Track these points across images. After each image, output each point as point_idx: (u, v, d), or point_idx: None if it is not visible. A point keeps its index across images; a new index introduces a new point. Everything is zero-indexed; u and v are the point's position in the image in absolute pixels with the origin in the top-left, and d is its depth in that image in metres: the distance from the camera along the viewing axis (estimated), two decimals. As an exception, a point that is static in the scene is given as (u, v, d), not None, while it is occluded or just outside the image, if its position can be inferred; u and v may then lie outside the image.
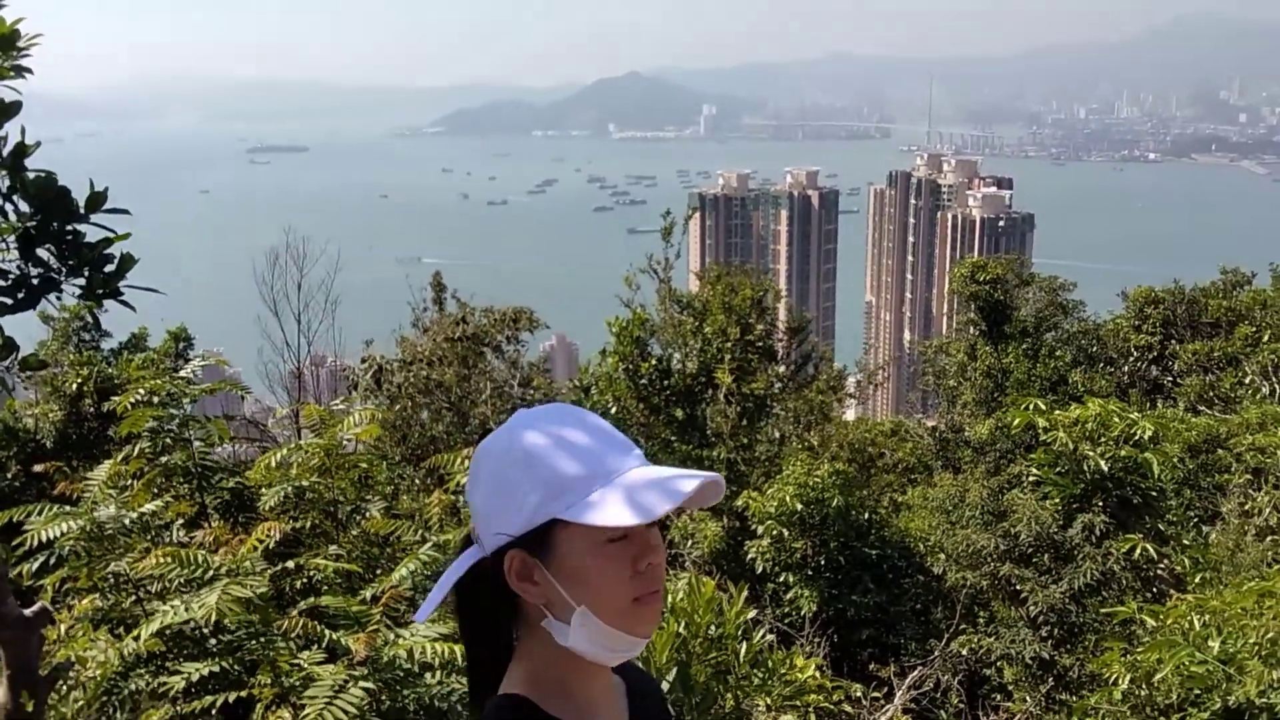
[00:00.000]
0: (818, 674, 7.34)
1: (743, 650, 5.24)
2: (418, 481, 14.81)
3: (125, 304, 3.70)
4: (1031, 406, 9.96)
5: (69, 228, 3.42)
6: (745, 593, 5.63)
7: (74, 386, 13.93)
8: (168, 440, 7.58)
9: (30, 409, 14.17)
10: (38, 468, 7.95)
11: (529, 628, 1.77)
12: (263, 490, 7.51)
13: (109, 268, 3.57)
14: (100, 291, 3.57)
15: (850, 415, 27.03)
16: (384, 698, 5.95)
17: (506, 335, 15.90)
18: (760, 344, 13.38)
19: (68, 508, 6.62)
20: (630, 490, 1.63)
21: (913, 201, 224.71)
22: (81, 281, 3.52)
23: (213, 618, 5.63)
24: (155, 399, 7.50)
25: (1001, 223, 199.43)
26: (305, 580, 7.02)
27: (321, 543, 7.56)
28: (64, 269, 3.46)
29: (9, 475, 12.17)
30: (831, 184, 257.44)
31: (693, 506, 1.78)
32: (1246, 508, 12.67)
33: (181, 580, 6.24)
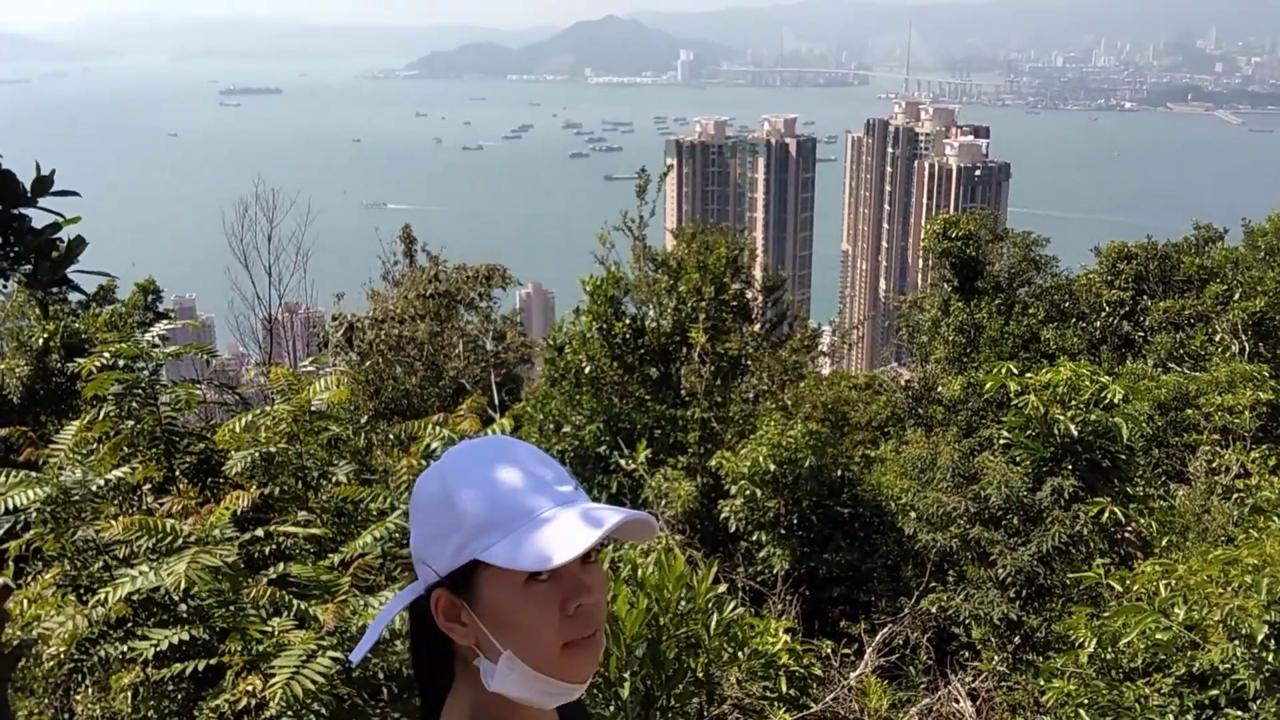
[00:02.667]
0: (788, 638, 7.40)
1: (713, 623, 5.25)
2: (391, 437, 14.77)
3: (76, 288, 3.59)
4: (1004, 370, 9.99)
5: (14, 212, 3.29)
6: (716, 566, 5.62)
7: (40, 341, 13.71)
8: (134, 403, 7.46)
9: (-4, 364, 13.95)
10: (1, 431, 7.83)
11: (465, 666, 1.73)
12: (230, 454, 7.44)
13: (56, 253, 3.45)
14: (47, 279, 3.45)
15: (825, 370, 27.12)
16: (353, 667, 5.94)
17: (479, 292, 15.75)
18: (735, 303, 13.33)
19: (34, 474, 6.52)
20: (547, 531, 1.58)
21: (890, 150, 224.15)
22: (28, 268, 3.39)
23: (182, 585, 5.60)
24: (122, 361, 7.38)
25: (978, 172, 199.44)
26: (275, 546, 6.99)
27: (291, 507, 7.51)
28: (9, 256, 3.33)
29: (-26, 433, 11.96)
30: (809, 132, 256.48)
31: (626, 539, 1.74)
32: (1213, 465, 12.84)
33: (149, 546, 6.19)
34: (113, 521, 6.03)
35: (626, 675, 4.99)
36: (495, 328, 19.02)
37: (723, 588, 5.53)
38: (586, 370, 12.28)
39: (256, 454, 7.07)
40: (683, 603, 5.40)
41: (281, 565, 6.40)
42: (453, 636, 1.68)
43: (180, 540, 5.85)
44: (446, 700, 1.76)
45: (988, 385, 10.09)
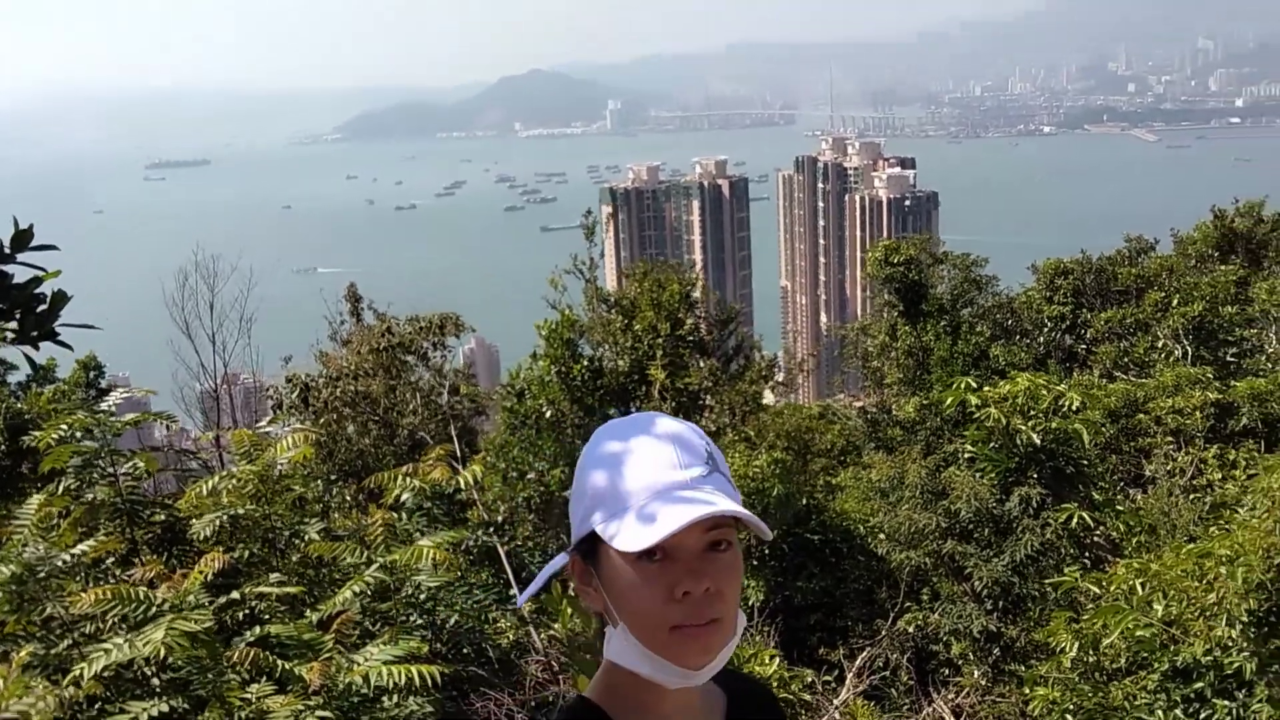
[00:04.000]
0: (778, 665, 7.36)
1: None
2: (348, 498, 14.51)
3: (63, 344, 3.51)
4: (964, 385, 10.13)
5: (-5, 269, 3.21)
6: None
7: (-19, 424, 13.29)
8: (94, 475, 7.28)
9: (-67, 449, 13.48)
10: None
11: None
12: (193, 521, 7.27)
13: (40, 308, 3.37)
14: (34, 333, 3.37)
15: (769, 399, 27.29)
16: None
17: (432, 342, 15.66)
18: (691, 338, 13.38)
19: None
20: (652, 512, 1.59)
21: (820, 185, 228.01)
22: (13, 325, 3.30)
23: (161, 654, 5.43)
24: (77, 434, 7.20)
25: (908, 202, 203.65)
26: (248, 610, 6.82)
27: (260, 570, 7.34)
28: (-4, 312, 3.25)
29: (-85, 521, 11.54)
30: (740, 172, 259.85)
31: (752, 530, 1.69)
32: (1169, 468, 13.11)
33: (119, 619, 6.00)
34: (83, 594, 5.84)
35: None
36: (449, 381, 18.89)
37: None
38: (548, 414, 12.22)
39: (224, 517, 6.92)
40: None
41: (259, 628, 6.25)
42: (586, 600, 1.74)
43: (154, 609, 5.68)
44: (600, 669, 1.80)
45: (948, 401, 10.22)
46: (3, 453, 13.14)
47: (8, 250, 3.20)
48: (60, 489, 7.03)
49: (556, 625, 9.54)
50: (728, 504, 1.60)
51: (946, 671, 10.69)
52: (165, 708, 5.71)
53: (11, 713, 5.54)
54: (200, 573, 6.26)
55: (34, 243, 3.59)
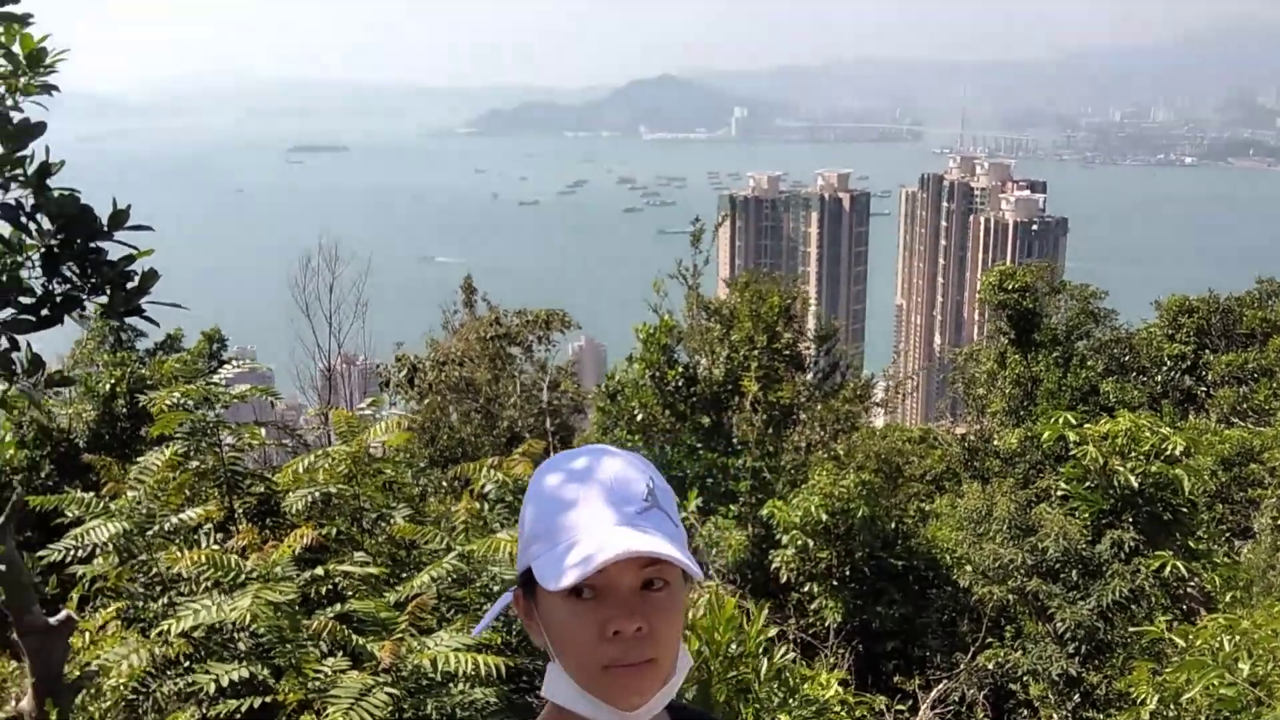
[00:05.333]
0: (840, 689, 7.31)
1: (763, 668, 5.23)
2: (444, 484, 14.91)
3: (148, 319, 3.74)
4: (1062, 420, 9.87)
5: (92, 245, 3.46)
6: (765, 610, 5.62)
7: (107, 387, 14.11)
8: (200, 444, 7.67)
9: (65, 409, 14.38)
10: (86, 458, 8.11)
11: None
12: (288, 495, 7.61)
13: (131, 284, 3.61)
14: (122, 309, 3.61)
15: (879, 422, 26.91)
16: (406, 705, 5.99)
17: (538, 336, 15.97)
18: (787, 352, 13.35)
19: (111, 506, 6.73)
20: (579, 550, 1.55)
21: (945, 204, 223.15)
22: (104, 299, 3.55)
23: (246, 620, 5.71)
24: (189, 403, 7.60)
25: (1035, 226, 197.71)
26: (331, 586, 7.09)
27: (346, 548, 7.63)
28: (86, 286, 3.50)
29: (43, 474, 12.34)
30: (863, 186, 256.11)
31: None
32: (1278, 523, 12.50)
33: (211, 583, 6.32)
34: (181, 556, 6.18)
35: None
36: (551, 376, 19.22)
37: (773, 632, 5.51)
38: (638, 417, 12.35)
39: (316, 494, 7.22)
40: (733, 646, 5.39)
41: (340, 605, 6.50)
42: (531, 635, 1.70)
43: (243, 576, 5.98)
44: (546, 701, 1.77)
45: (1045, 435, 9.97)
46: (125, 415, 13.93)
47: (105, 228, 3.45)
48: (169, 454, 7.43)
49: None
50: (655, 542, 1.54)
51: (1025, 713, 10.43)
52: (246, 673, 6.00)
53: (101, 670, 5.90)
54: (289, 546, 6.53)
55: (147, 221, 3.86)
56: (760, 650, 5.47)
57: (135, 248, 3.59)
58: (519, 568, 1.70)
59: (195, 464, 7.56)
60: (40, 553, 6.88)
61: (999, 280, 19.26)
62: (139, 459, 7.58)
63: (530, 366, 19.06)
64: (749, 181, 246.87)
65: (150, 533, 6.40)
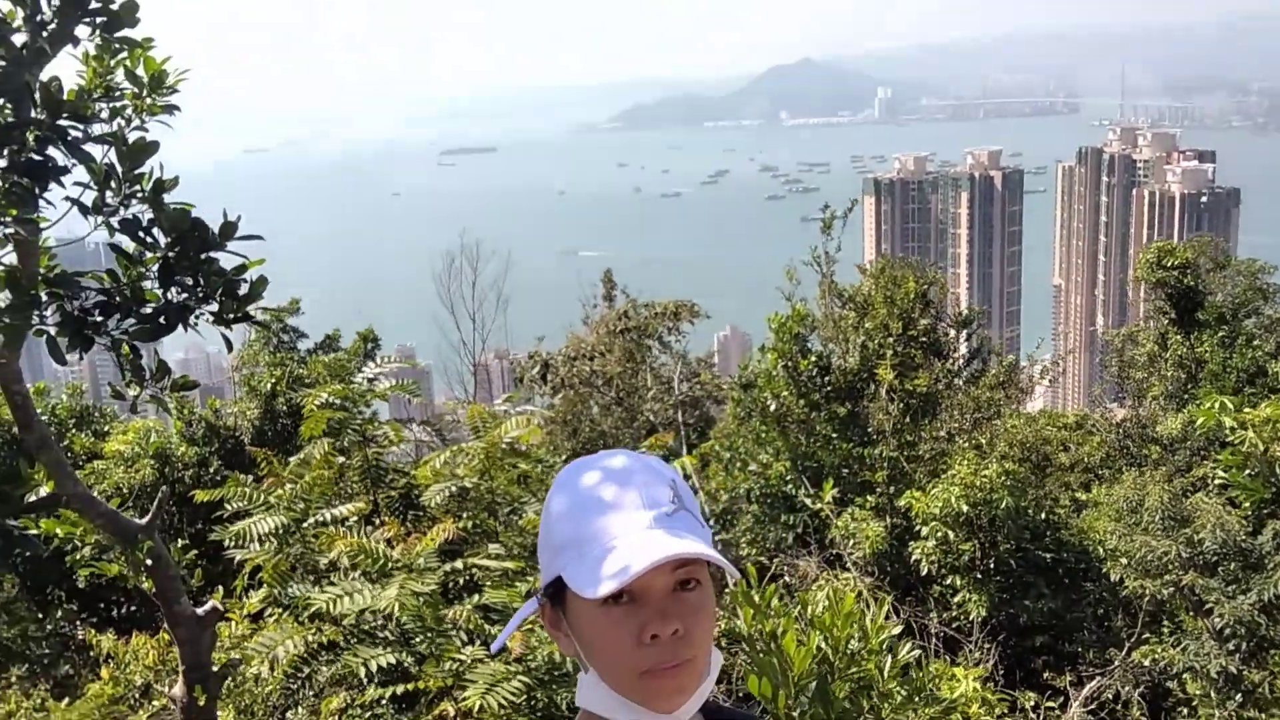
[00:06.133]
0: (978, 686, 7.12)
1: (887, 665, 5.16)
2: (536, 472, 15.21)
3: (259, 323, 3.98)
4: (1218, 404, 9.33)
5: (205, 255, 3.69)
6: (888, 604, 5.53)
7: (268, 386, 14.95)
8: (349, 441, 8.08)
9: (231, 407, 15.31)
10: (251, 449, 8.69)
11: None
12: (426, 488, 7.93)
13: (241, 292, 3.84)
14: (230, 316, 3.84)
15: (1035, 406, 25.98)
16: (538, 695, 6.16)
17: (668, 327, 16.07)
18: (925, 339, 13.04)
19: (270, 499, 7.18)
20: (614, 555, 1.55)
21: (1104, 179, 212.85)
22: (214, 307, 3.79)
23: (394, 608, 5.99)
24: (337, 401, 8.02)
25: (1204, 199, 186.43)
26: (468, 577, 7.36)
27: (482, 541, 7.89)
28: (199, 295, 3.73)
29: (211, 469, 13.17)
30: (1015, 163, 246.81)
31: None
32: None
33: (360, 573, 6.65)
34: (337, 540, 6.52)
35: (795, 714, 4.97)
36: (688, 367, 19.33)
37: (899, 628, 5.42)
38: (772, 408, 12.29)
39: (453, 488, 7.50)
40: (854, 641, 5.33)
41: (477, 597, 6.74)
42: (559, 645, 1.70)
43: (390, 566, 6.28)
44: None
45: (1199, 420, 9.44)
46: (285, 412, 14.73)
47: (218, 239, 3.67)
48: (323, 451, 7.84)
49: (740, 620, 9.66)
50: (690, 544, 1.56)
51: (1183, 712, 9.94)
52: (393, 659, 6.30)
53: (244, 660, 6.29)
54: (432, 539, 6.81)
55: (261, 232, 4.11)
56: (884, 646, 5.39)
57: (246, 257, 3.81)
58: (545, 577, 1.68)
59: (342, 460, 7.97)
60: (211, 538, 7.40)
61: (1157, 257, 18.28)
62: (297, 454, 8.06)
63: (669, 358, 19.22)
64: (894, 163, 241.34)
65: (306, 524, 6.77)
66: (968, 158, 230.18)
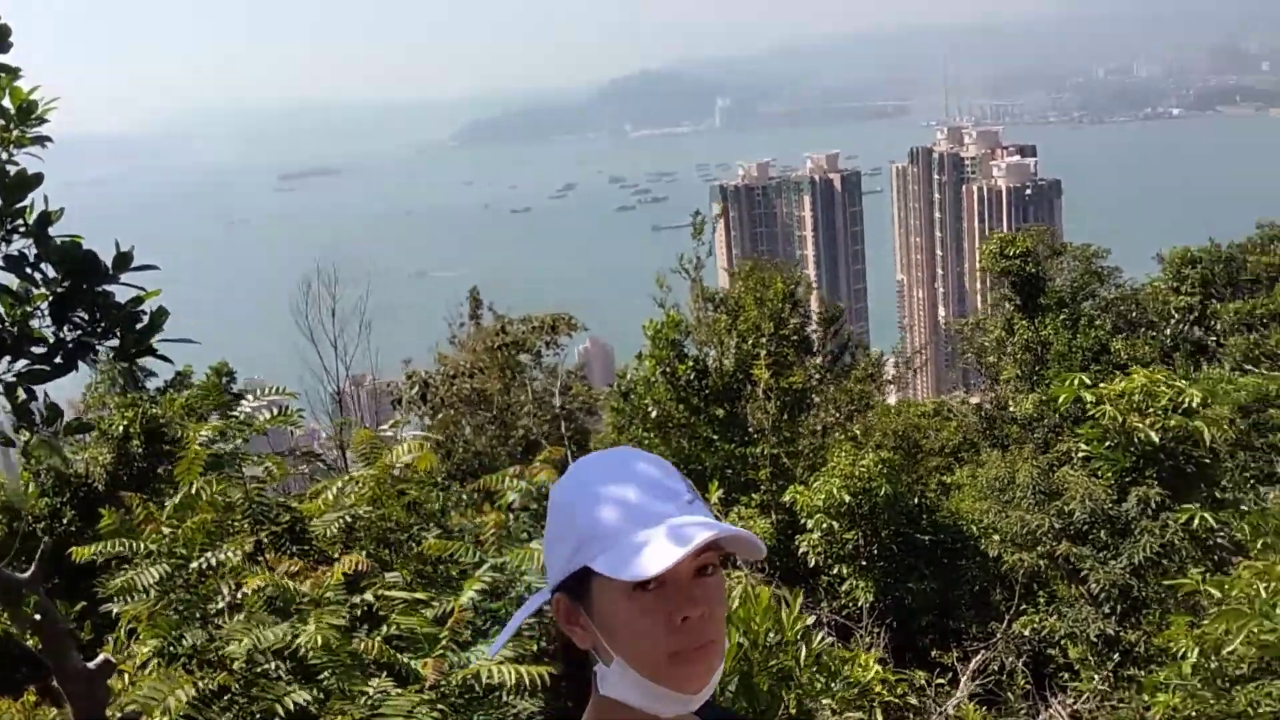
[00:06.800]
0: (880, 668, 7.33)
1: (803, 654, 5.26)
2: (464, 498, 14.94)
3: (163, 358, 3.77)
4: (1076, 381, 9.87)
5: (99, 289, 3.48)
6: (801, 597, 5.64)
7: (120, 429, 14.16)
8: (225, 478, 7.71)
9: (80, 454, 14.43)
10: (123, 495, 8.18)
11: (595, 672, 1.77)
12: (313, 521, 7.65)
13: (141, 325, 3.63)
14: (134, 350, 3.63)
15: (891, 399, 26.89)
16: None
17: (546, 341, 15.99)
18: (795, 337, 13.36)
19: (151, 547, 6.77)
20: (649, 541, 1.60)
21: (936, 177, 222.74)
22: (115, 342, 3.57)
23: (316, 643, 5.75)
24: (214, 438, 7.65)
25: (1028, 191, 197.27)
26: (366, 608, 7.14)
27: (378, 571, 7.67)
28: (97, 331, 3.52)
29: (65, 520, 12.40)
30: (853, 165, 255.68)
31: (737, 553, 1.71)
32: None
33: (258, 613, 6.34)
34: (247, 579, 6.22)
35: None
36: (561, 381, 19.25)
37: (810, 619, 5.54)
38: (653, 414, 12.37)
39: (346, 518, 7.26)
40: (771, 635, 5.42)
41: (385, 627, 6.54)
42: (573, 639, 1.73)
43: (298, 602, 6.03)
44: (587, 709, 1.80)
45: (1061, 398, 9.97)
46: (140, 454, 13.98)
47: (110, 271, 3.46)
48: (201, 490, 7.45)
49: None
50: (730, 526, 1.60)
51: (1065, 676, 10.44)
52: (301, 698, 6.04)
53: (155, 697, 5.93)
54: (340, 571, 6.59)
55: (148, 262, 3.88)
56: (798, 637, 5.49)
57: (142, 289, 3.61)
58: (560, 571, 1.71)
59: (221, 499, 7.61)
60: (95, 593, 6.94)
61: (1000, 247, 19.23)
62: (170, 497, 7.64)
63: (540, 373, 19.10)
64: (738, 170, 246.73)
65: (192, 568, 6.45)
66: (807, 162, 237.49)
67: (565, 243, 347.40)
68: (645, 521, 1.63)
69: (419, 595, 7.18)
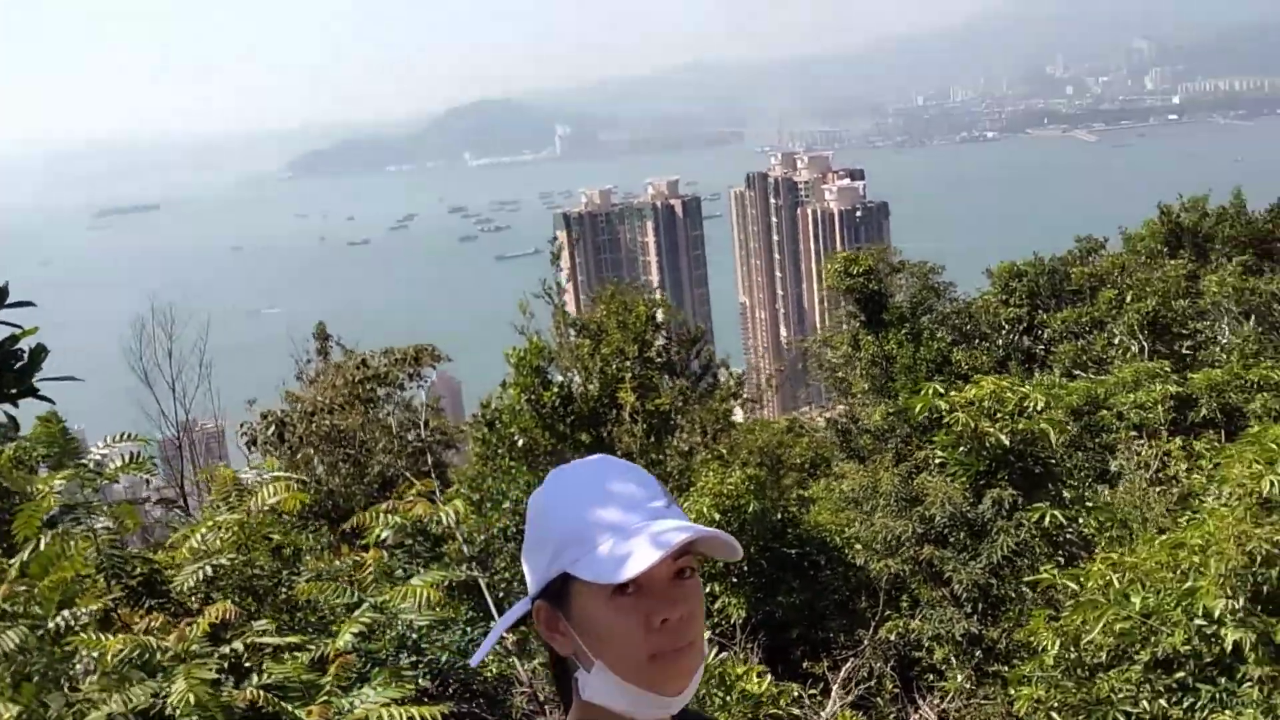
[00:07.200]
0: (769, 680, 7.42)
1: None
2: (317, 540, 14.40)
3: (44, 398, 3.51)
4: (931, 390, 10.30)
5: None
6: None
7: (-57, 485, 13.06)
8: (72, 532, 7.22)
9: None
10: None
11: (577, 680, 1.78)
12: (169, 571, 7.25)
13: (20, 364, 3.39)
14: (14, 390, 3.38)
15: (738, 416, 27.43)
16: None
17: (409, 373, 15.61)
18: (659, 359, 13.48)
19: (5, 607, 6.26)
20: (626, 546, 1.62)
21: (772, 201, 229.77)
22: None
23: (189, 701, 5.43)
24: (58, 491, 7.15)
25: (859, 213, 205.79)
26: (234, 659, 6.80)
27: (246, 620, 7.32)
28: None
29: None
30: (693, 191, 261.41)
31: (714, 555, 1.73)
32: (1134, 463, 13.36)
33: (132, 665, 5.95)
34: (107, 641, 5.82)
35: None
36: (417, 416, 18.82)
37: (705, 633, 5.55)
38: (520, 443, 12.23)
39: (207, 568, 6.88)
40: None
41: (256, 676, 6.23)
42: (554, 646, 1.75)
43: (162, 659, 5.68)
44: (569, 714, 1.80)
45: (917, 407, 10.38)
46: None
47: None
48: (42, 547, 6.95)
49: (540, 656, 9.56)
50: (704, 528, 1.65)
51: (931, 677, 10.80)
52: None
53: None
54: (205, 623, 6.27)
55: (20, 301, 3.61)
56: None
57: (19, 325, 3.36)
58: (540, 579, 1.72)
59: (72, 554, 7.11)
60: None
61: (844, 266, 19.94)
62: (16, 553, 7.09)
63: (394, 408, 18.61)
64: (581, 198, 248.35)
65: (40, 633, 5.98)
66: (649, 188, 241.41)
67: (407, 275, 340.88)
68: (623, 526, 1.65)
69: (292, 640, 6.90)
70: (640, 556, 1.59)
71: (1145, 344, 16.73)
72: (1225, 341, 16.11)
